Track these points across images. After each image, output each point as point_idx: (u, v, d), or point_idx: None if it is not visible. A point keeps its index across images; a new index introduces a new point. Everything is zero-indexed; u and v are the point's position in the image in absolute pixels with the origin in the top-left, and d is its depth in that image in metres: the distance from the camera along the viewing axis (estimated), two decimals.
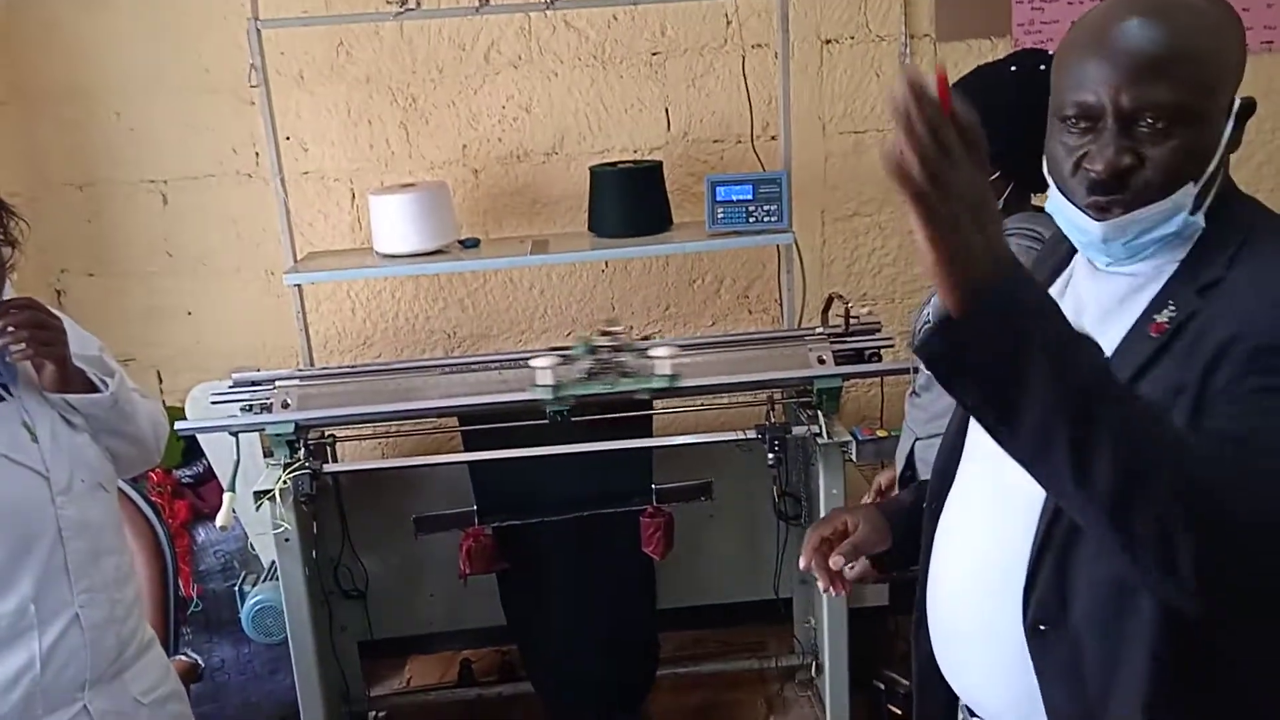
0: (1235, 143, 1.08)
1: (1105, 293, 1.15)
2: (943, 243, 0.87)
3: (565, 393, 2.29)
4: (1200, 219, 1.07)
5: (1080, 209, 1.09)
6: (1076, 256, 1.20)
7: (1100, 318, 1.14)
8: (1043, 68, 1.71)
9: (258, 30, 2.58)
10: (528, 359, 2.38)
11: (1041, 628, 1.12)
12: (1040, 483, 0.97)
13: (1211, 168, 1.06)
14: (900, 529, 1.39)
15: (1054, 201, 1.13)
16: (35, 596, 1.43)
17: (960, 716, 1.34)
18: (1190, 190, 1.05)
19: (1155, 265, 1.11)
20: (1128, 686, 1.10)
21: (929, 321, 1.88)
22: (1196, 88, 1.02)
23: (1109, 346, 1.10)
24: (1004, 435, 0.94)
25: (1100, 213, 1.07)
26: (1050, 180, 1.13)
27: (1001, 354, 0.89)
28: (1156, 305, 1.08)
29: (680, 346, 2.39)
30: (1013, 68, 1.79)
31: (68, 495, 1.48)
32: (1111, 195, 1.06)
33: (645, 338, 2.62)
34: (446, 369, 2.51)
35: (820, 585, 1.39)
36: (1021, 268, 0.91)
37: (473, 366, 2.49)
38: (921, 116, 0.82)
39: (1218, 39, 1.04)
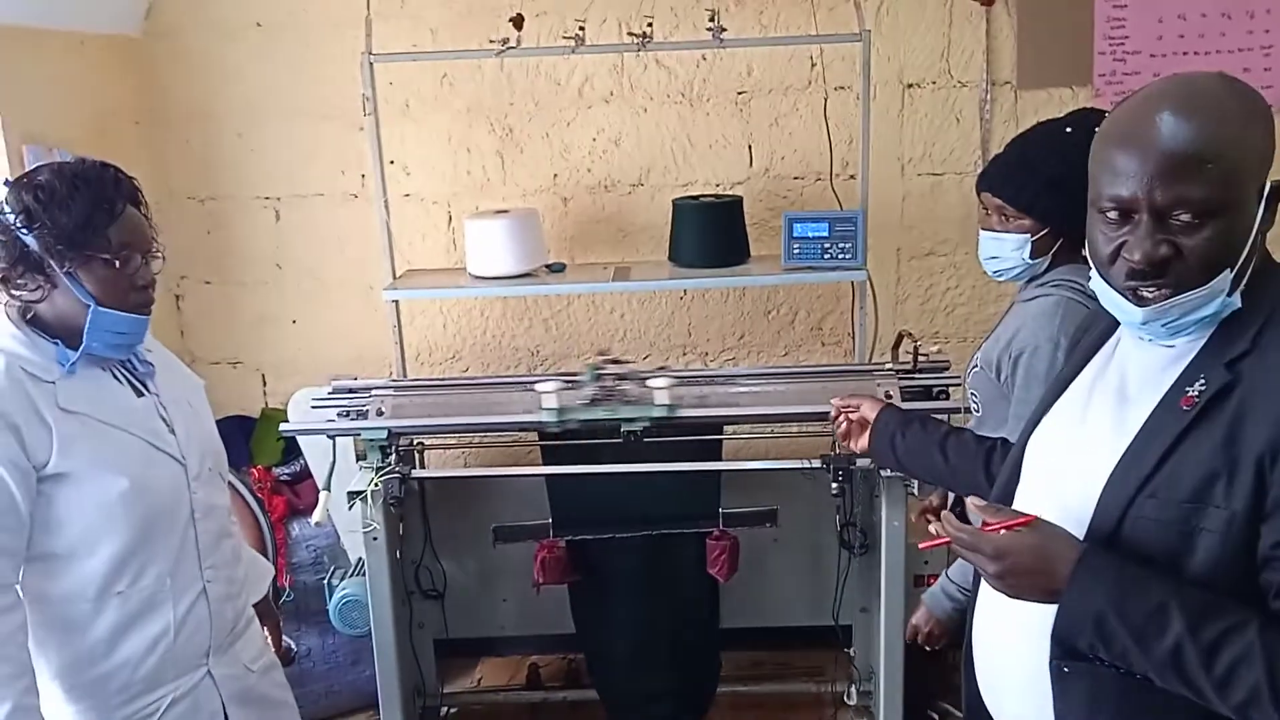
0: (1269, 223, 1.14)
1: (1148, 362, 1.23)
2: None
3: (568, 417, 2.43)
4: (1237, 299, 1.14)
5: (1120, 293, 1.17)
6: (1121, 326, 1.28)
7: (1140, 386, 1.22)
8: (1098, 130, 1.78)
9: (370, 64, 2.78)
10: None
11: (1065, 669, 1.22)
12: None
13: (1245, 252, 1.12)
14: (896, 434, 1.68)
15: (1096, 284, 1.21)
16: (171, 571, 1.61)
17: None
18: (1227, 276, 1.12)
19: (1192, 338, 1.18)
20: None
21: (977, 366, 1.99)
22: (1226, 181, 1.09)
23: (1146, 413, 1.18)
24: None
25: (1139, 299, 1.15)
26: (1091, 264, 1.21)
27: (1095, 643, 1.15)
28: (1188, 378, 1.15)
29: (680, 377, 2.53)
30: (1068, 129, 1.84)
31: (199, 481, 1.66)
32: (1150, 282, 1.13)
33: (662, 368, 2.73)
34: (528, 385, 2.65)
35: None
36: (1084, 577, 1.14)
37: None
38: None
39: (1246, 131, 1.10)
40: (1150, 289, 1.14)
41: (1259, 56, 2.82)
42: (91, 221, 1.50)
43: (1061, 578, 1.14)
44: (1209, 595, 1.09)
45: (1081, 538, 1.18)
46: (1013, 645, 1.32)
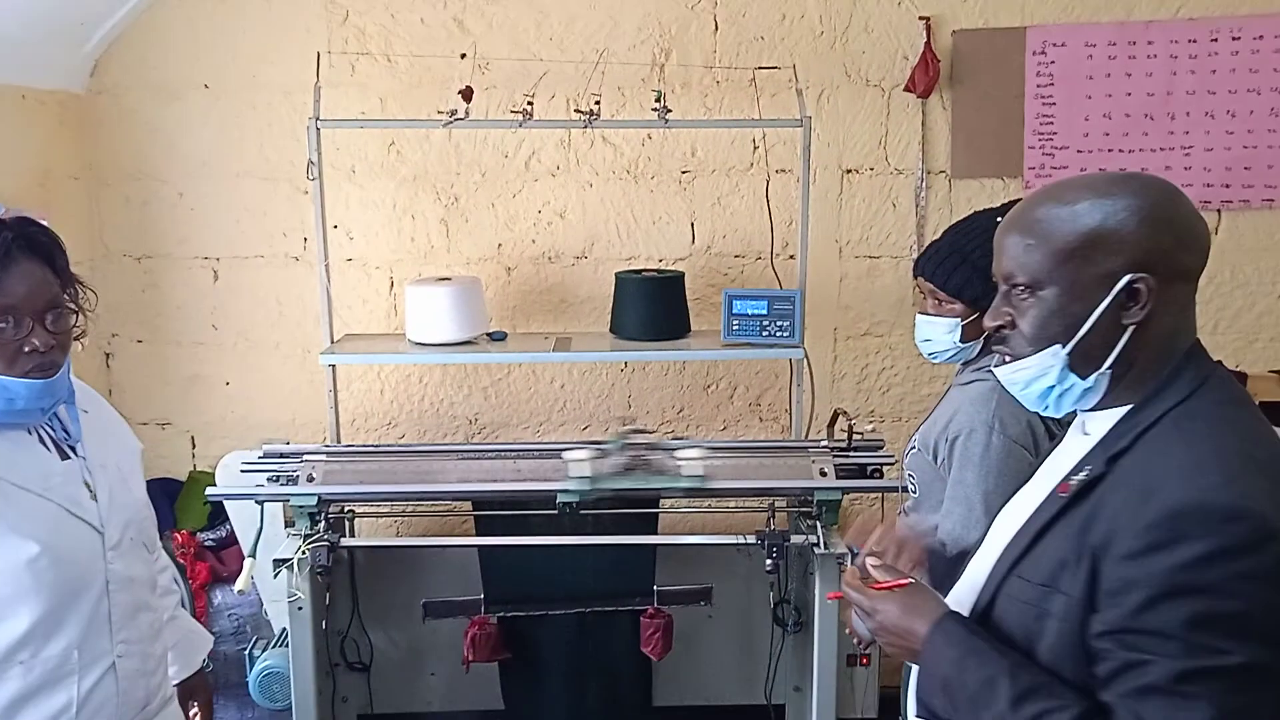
0: (1145, 317, 1.13)
1: (1070, 450, 1.26)
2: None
3: (601, 485, 2.40)
4: (1093, 383, 1.17)
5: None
6: None
7: (1054, 472, 1.26)
8: None
9: (317, 129, 2.78)
10: (543, 450, 2.50)
11: None
12: None
13: (1082, 333, 1.14)
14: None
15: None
16: (79, 644, 1.53)
17: None
18: (1058, 351, 1.16)
19: (1100, 431, 1.21)
20: None
21: (915, 448, 2.00)
22: (1049, 260, 1.15)
23: (1043, 497, 1.23)
24: None
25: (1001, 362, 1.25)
26: None
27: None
28: (1077, 467, 1.19)
29: (708, 449, 2.50)
30: (998, 219, 1.91)
31: (117, 551, 1.59)
32: (997, 347, 1.25)
33: (677, 437, 2.70)
34: (465, 454, 2.63)
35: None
36: (936, 641, 1.19)
37: (489, 454, 2.61)
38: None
39: (1083, 220, 1.13)
40: (1000, 351, 1.24)
41: (1179, 156, 2.96)
42: None
43: (921, 640, 1.20)
44: (1043, 676, 1.12)
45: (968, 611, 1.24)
46: (912, 709, 1.34)
